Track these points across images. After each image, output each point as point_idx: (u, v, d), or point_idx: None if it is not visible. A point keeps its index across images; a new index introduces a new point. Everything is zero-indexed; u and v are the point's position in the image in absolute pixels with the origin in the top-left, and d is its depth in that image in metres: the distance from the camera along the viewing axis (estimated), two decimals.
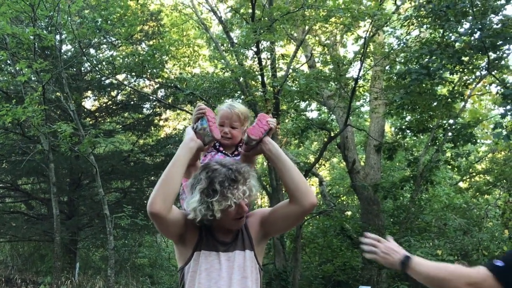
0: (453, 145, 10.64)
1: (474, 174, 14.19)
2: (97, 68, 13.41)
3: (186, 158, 2.06)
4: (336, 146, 14.57)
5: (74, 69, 14.06)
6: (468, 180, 14.45)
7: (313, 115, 19.59)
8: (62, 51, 12.40)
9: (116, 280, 11.53)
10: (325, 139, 13.26)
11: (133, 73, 12.92)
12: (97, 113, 15.43)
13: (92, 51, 13.94)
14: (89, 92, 15.44)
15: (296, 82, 11.49)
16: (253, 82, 12.35)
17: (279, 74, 12.36)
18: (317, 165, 16.96)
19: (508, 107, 7.30)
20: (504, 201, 12.10)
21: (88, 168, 13.16)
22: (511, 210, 11.29)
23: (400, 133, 11.95)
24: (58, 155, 12.78)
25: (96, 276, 12.72)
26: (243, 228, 2.13)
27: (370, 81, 12.69)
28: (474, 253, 8.38)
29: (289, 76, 11.79)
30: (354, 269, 13.28)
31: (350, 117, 12.16)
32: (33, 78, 12.97)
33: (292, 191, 2.06)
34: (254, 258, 2.10)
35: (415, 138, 13.55)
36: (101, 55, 14.22)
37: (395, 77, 10.44)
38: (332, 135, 12.36)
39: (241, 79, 11.46)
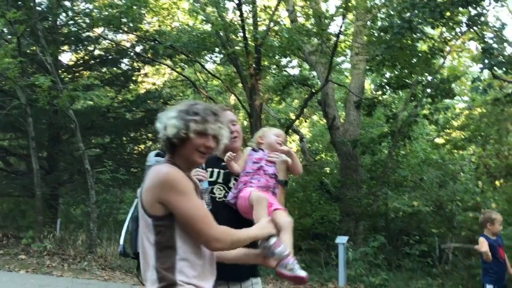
0: (431, 101, 10.82)
1: (450, 130, 14.49)
2: (73, 21, 13.03)
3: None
4: (316, 103, 14.64)
5: (50, 21, 13.63)
6: (444, 136, 14.76)
7: (294, 71, 19.50)
8: (36, 1, 11.97)
9: (99, 235, 11.64)
10: (306, 96, 13.30)
11: (111, 26, 12.60)
12: (74, 68, 15.13)
13: (67, 3, 13.49)
14: (66, 46, 15.06)
15: (278, 36, 11.38)
16: (234, 36, 12.18)
17: (261, 28, 12.21)
18: (297, 122, 17.08)
19: (486, 61, 7.42)
20: (478, 156, 12.48)
21: (67, 123, 13.02)
22: (484, 165, 11.67)
23: (379, 89, 12.07)
24: (36, 109, 12.57)
25: (78, 231, 12.82)
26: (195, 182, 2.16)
27: (351, 36, 12.66)
28: (449, 204, 8.69)
29: (271, 29, 11.66)
30: (332, 222, 13.62)
31: (331, 74, 12.18)
32: (5, 31, 12.57)
33: None
34: None
35: (394, 94, 13.70)
36: (77, 7, 13.78)
37: (376, 32, 10.43)
38: (313, 91, 12.40)
39: (222, 32, 11.28)
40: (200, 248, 1.97)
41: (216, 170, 2.65)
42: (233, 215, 2.48)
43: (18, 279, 8.08)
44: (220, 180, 2.63)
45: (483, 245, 4.95)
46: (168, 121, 1.99)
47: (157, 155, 2.32)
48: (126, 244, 2.38)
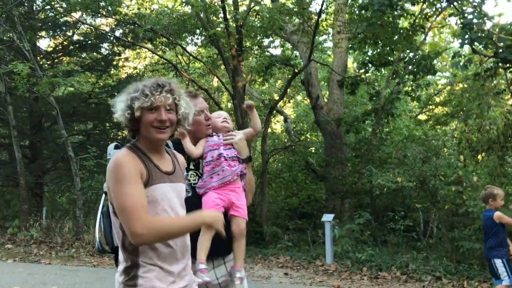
0: (413, 77, 10.89)
1: (433, 106, 14.65)
2: (50, 6, 12.75)
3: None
4: (300, 83, 14.64)
5: (26, 6, 13.32)
6: (427, 112, 14.91)
7: (276, 51, 19.42)
8: None
9: (85, 222, 11.58)
10: (289, 76, 13.28)
11: (89, 10, 12.37)
12: (53, 54, 14.85)
13: None
14: (44, 32, 14.76)
15: (259, 16, 11.29)
16: (215, 17, 12.06)
17: (242, 9, 12.10)
18: (281, 103, 17.07)
19: (466, 36, 7.47)
20: (461, 131, 12.63)
21: (48, 111, 12.84)
22: (466, 140, 11.83)
23: (362, 67, 12.10)
24: (16, 97, 12.37)
25: (64, 218, 12.75)
26: (175, 162, 2.17)
27: (333, 14, 12.61)
28: (432, 179, 8.81)
29: (252, 10, 11.56)
30: (318, 201, 13.78)
31: (314, 53, 12.15)
32: None
33: None
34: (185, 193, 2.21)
35: (377, 72, 13.76)
36: None
37: (357, 10, 10.41)
38: (296, 71, 12.39)
39: (202, 14, 11.15)
40: None
41: (187, 157, 2.67)
42: None
43: (6, 268, 8.04)
44: (191, 166, 2.66)
45: (503, 217, 5.07)
46: (117, 106, 2.00)
47: (116, 147, 2.33)
48: (101, 240, 2.39)
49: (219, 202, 2.53)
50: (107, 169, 1.95)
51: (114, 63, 15.20)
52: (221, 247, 2.57)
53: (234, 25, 11.49)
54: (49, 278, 7.13)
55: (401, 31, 10.08)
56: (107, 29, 14.46)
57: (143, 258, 1.95)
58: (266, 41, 14.07)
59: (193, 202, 2.45)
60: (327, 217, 8.88)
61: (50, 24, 14.32)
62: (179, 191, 2.11)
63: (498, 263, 5.14)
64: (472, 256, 7.66)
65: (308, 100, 14.16)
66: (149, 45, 13.90)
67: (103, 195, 2.42)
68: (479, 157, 11.55)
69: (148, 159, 2.01)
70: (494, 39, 7.76)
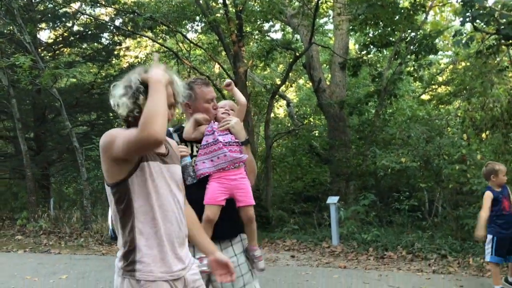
0: (415, 57, 10.84)
1: (436, 86, 14.59)
2: None
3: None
4: (301, 67, 14.60)
5: None
6: (430, 92, 14.86)
7: (277, 36, 19.33)
8: None
9: (93, 211, 11.70)
10: (291, 60, 13.24)
11: (88, 1, 12.35)
12: (54, 46, 14.86)
13: None
14: (44, 23, 14.76)
15: (259, 1, 11.23)
16: (214, 3, 12.00)
17: None
18: (284, 87, 17.04)
19: (467, 14, 7.41)
20: (464, 110, 12.60)
21: (51, 102, 12.90)
22: (470, 118, 11.80)
23: (364, 49, 12.04)
24: (19, 90, 12.41)
25: (72, 208, 12.88)
26: (168, 146, 2.17)
27: None
28: (435, 158, 8.82)
29: None
30: (323, 184, 13.83)
31: (315, 36, 12.09)
32: None
33: None
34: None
35: (379, 53, 13.69)
36: None
37: None
38: (297, 54, 12.34)
39: (201, 0, 11.10)
40: (158, 213, 2.00)
41: (194, 145, 2.73)
42: None
43: (16, 258, 8.17)
44: (195, 153, 2.71)
45: (485, 202, 5.11)
46: (119, 100, 1.99)
47: None
48: (114, 228, 2.44)
49: (222, 194, 2.59)
50: (100, 144, 1.96)
51: (115, 52, 15.20)
52: (227, 231, 2.67)
53: (234, 10, 11.43)
54: (59, 268, 7.24)
55: (402, 11, 10.01)
56: (107, 18, 14.43)
57: (140, 241, 1.96)
58: (266, 26, 14.03)
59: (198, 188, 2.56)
60: (332, 200, 8.93)
61: (49, 15, 14.31)
62: (174, 172, 2.11)
63: (488, 238, 5.18)
64: None
65: (310, 84, 14.13)
66: (149, 34, 13.87)
67: None
68: (483, 135, 11.53)
69: None
70: (496, 16, 7.70)
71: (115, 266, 2.02)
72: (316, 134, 16.08)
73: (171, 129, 2.76)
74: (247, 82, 12.36)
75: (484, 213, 5.05)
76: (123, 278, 1.97)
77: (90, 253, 8.76)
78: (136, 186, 1.96)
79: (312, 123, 17.22)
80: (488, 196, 5.12)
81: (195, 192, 2.54)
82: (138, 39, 16.02)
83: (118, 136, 1.87)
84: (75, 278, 6.50)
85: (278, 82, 15.17)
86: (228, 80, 2.88)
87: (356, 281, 6.02)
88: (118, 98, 1.99)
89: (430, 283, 5.87)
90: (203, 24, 13.31)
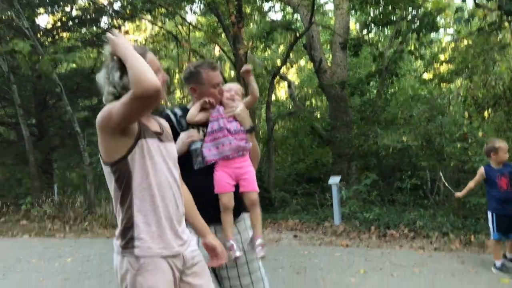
0: (416, 35, 10.73)
1: (437, 64, 14.47)
2: None
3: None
4: (302, 48, 14.50)
5: None
6: (432, 71, 14.76)
7: (277, 16, 19.13)
8: None
9: (96, 195, 11.77)
10: (291, 41, 13.14)
11: None
12: (53, 31, 14.77)
13: None
14: (42, 8, 14.63)
15: None
16: None
17: None
18: (285, 69, 16.97)
19: None
20: (466, 88, 12.53)
21: (52, 88, 12.86)
22: (472, 96, 11.74)
23: (364, 28, 11.93)
24: (19, 76, 12.39)
25: (75, 193, 12.95)
26: (161, 125, 2.19)
27: None
28: (437, 137, 8.82)
29: None
30: (325, 165, 13.85)
31: (315, 16, 11.98)
32: None
33: None
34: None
35: (380, 32, 13.57)
36: None
37: None
38: (298, 35, 12.25)
39: None
40: (157, 195, 2.01)
41: (200, 129, 2.72)
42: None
43: (22, 243, 8.26)
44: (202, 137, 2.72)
45: (476, 176, 5.30)
46: (105, 86, 2.01)
47: None
48: None
49: (230, 181, 2.60)
50: (96, 122, 1.94)
51: None
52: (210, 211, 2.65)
53: None
54: (64, 251, 7.31)
55: None
56: (105, 2, 14.31)
57: (138, 218, 1.98)
58: (266, 6, 13.89)
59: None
60: (334, 180, 8.95)
61: (47, 0, 14.19)
62: (170, 150, 2.13)
63: (489, 216, 5.24)
64: (479, 211, 7.72)
65: (311, 65, 14.05)
66: (148, 17, 13.77)
67: None
68: (485, 113, 11.50)
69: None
70: None
71: (114, 245, 2.04)
72: (318, 116, 16.06)
73: (177, 111, 2.73)
74: (247, 64, 12.28)
75: (471, 183, 5.36)
76: (122, 257, 1.99)
77: (94, 237, 8.84)
78: (136, 164, 1.98)
79: (313, 105, 17.18)
80: (479, 172, 5.29)
81: (202, 179, 2.57)
82: (137, 23, 15.91)
83: (113, 107, 1.87)
84: (80, 261, 6.57)
85: (279, 64, 15.10)
86: (248, 66, 2.77)
87: (358, 259, 6.07)
88: (103, 83, 2.02)
89: (432, 260, 5.91)
90: (202, 6, 13.19)
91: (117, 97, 1.96)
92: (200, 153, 2.60)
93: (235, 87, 2.79)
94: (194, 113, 2.64)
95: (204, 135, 2.68)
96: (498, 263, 5.15)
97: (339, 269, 5.61)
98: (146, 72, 1.78)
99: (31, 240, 8.67)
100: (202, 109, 2.67)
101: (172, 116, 2.70)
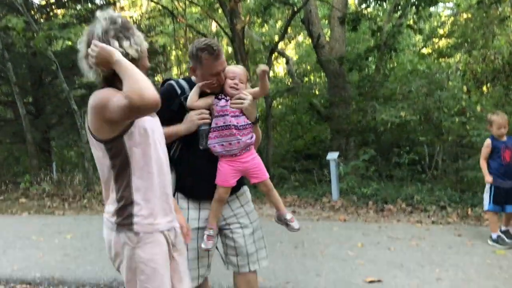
0: (416, 9, 10.60)
1: (436, 39, 14.35)
2: None
3: None
4: (300, 23, 14.33)
5: None
6: (431, 45, 14.64)
7: None
8: None
9: (95, 173, 11.78)
10: (289, 16, 12.96)
11: None
12: (48, 8, 14.55)
13: None
14: None
15: None
16: None
17: None
18: (283, 44, 16.80)
19: None
20: (465, 63, 12.45)
21: (47, 65, 12.76)
22: (471, 71, 11.68)
23: (363, 2, 11.76)
24: (14, 54, 12.25)
25: (74, 171, 12.97)
26: None
27: None
28: (435, 111, 8.79)
29: None
30: (324, 142, 13.85)
31: None
32: None
33: None
34: None
35: (378, 6, 13.39)
36: None
37: None
38: (296, 9, 12.08)
39: None
40: (153, 165, 2.01)
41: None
42: None
43: (21, 221, 8.28)
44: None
45: (483, 150, 5.31)
46: (85, 65, 2.02)
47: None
48: None
49: (234, 176, 2.62)
50: (89, 104, 1.92)
51: None
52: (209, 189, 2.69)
53: None
54: (64, 228, 7.34)
55: None
56: None
57: (137, 195, 1.98)
58: None
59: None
60: (332, 155, 8.95)
61: None
62: (159, 126, 2.13)
63: (486, 187, 5.28)
64: (476, 185, 7.76)
65: (310, 40, 13.90)
66: None
67: None
68: (484, 88, 11.46)
69: None
70: None
71: (105, 222, 2.04)
72: (316, 92, 15.96)
73: (183, 84, 2.67)
74: (244, 40, 12.14)
75: (482, 161, 5.28)
76: (118, 232, 1.99)
77: (93, 214, 8.87)
78: (133, 142, 1.96)
79: (312, 81, 17.07)
80: (486, 144, 5.25)
81: (206, 159, 2.62)
82: None
83: (111, 99, 1.83)
84: (79, 237, 6.60)
85: (277, 39, 14.93)
86: (265, 68, 2.59)
87: (356, 233, 6.11)
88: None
89: (429, 233, 5.95)
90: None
91: (105, 77, 1.95)
92: (207, 135, 2.58)
93: (239, 72, 2.65)
94: (194, 98, 2.58)
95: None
96: (494, 235, 5.19)
97: (336, 243, 5.65)
98: (147, 85, 1.75)
99: (30, 217, 8.70)
100: (202, 93, 2.61)
101: (177, 88, 2.65)
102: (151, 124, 2.02)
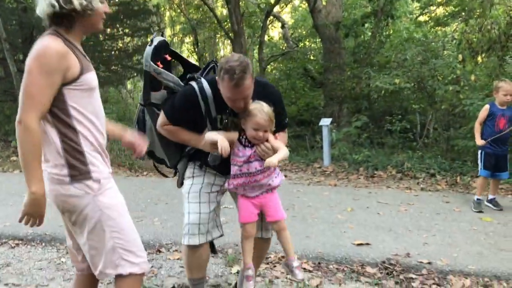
0: None
1: (433, 7, 14.17)
2: None
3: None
4: None
5: None
6: (428, 13, 14.47)
7: None
8: None
9: None
10: None
11: None
12: None
13: None
14: None
15: None
16: None
17: None
18: (279, 8, 16.53)
19: None
20: (461, 32, 12.35)
21: (38, 22, 12.44)
22: (466, 40, 11.61)
23: None
24: (3, 9, 11.96)
25: None
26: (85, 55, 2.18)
27: None
28: (429, 79, 8.79)
29: None
30: (317, 108, 13.84)
31: None
32: None
33: None
34: None
35: None
36: None
37: None
38: None
39: None
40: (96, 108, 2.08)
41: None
42: None
43: (13, 178, 8.29)
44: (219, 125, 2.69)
45: (480, 113, 5.44)
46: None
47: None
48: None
49: (254, 211, 2.63)
50: (33, 51, 1.96)
51: None
52: (225, 169, 2.70)
53: None
54: None
55: None
56: None
57: (86, 146, 2.03)
58: None
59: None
60: (325, 121, 8.98)
61: None
62: (95, 79, 2.15)
63: (478, 153, 5.43)
64: (466, 154, 7.86)
65: (306, 4, 13.68)
66: None
67: (139, 107, 2.76)
68: (479, 58, 11.41)
69: (76, 48, 2.03)
70: None
71: (47, 176, 2.03)
72: (311, 57, 15.83)
73: (206, 86, 2.56)
74: (240, 2, 11.93)
75: (477, 124, 5.43)
76: (73, 183, 2.01)
77: None
78: (77, 96, 2.00)
79: (307, 46, 16.90)
80: (484, 108, 5.37)
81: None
82: None
83: (30, 72, 1.96)
84: None
85: (273, 2, 14.67)
86: (273, 163, 2.43)
87: (346, 198, 6.20)
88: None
89: (417, 199, 6.06)
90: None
91: (56, 12, 1.95)
92: (218, 158, 2.59)
93: (263, 123, 2.45)
94: (215, 137, 2.48)
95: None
96: (475, 197, 5.39)
97: (327, 207, 5.73)
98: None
99: (22, 175, 8.64)
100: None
101: (198, 94, 2.56)
102: (94, 78, 2.10)
